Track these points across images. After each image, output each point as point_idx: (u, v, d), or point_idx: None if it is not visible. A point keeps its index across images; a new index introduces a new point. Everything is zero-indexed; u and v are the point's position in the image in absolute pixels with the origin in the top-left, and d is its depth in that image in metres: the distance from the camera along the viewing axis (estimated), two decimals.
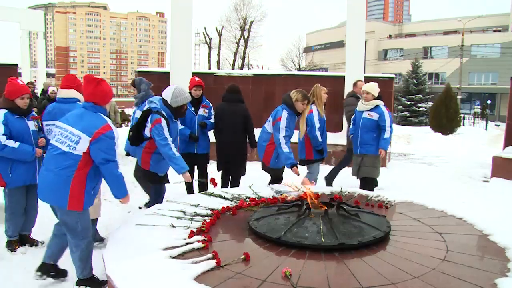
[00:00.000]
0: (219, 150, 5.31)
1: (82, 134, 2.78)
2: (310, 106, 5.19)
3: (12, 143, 3.56)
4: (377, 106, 5.06)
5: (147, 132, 3.89)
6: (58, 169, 2.78)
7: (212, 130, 5.38)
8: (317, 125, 5.20)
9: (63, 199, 2.78)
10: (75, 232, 2.90)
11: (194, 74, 9.46)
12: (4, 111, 3.61)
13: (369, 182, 5.18)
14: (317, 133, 5.20)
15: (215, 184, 4.14)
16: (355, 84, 6.71)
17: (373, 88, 5.13)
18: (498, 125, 24.65)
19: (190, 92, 4.97)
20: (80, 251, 2.92)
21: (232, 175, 5.33)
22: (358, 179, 5.34)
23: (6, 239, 3.85)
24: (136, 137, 3.95)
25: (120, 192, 2.95)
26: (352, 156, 5.51)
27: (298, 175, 4.64)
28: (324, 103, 5.51)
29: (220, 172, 5.40)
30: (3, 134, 3.53)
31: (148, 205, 4.53)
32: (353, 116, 5.47)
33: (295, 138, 5.25)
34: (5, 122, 3.57)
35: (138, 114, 4.44)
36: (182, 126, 4.92)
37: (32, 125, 3.79)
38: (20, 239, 3.90)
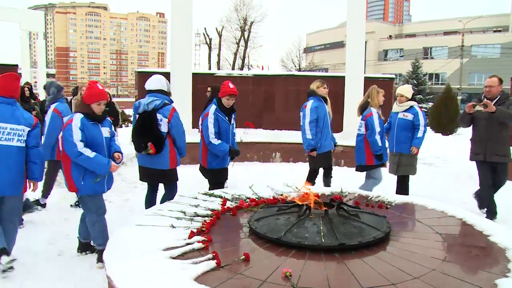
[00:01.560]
0: None
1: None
2: (369, 109, 5.23)
3: (89, 152, 3.33)
4: (411, 107, 5.37)
5: (164, 129, 4.00)
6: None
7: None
8: (377, 129, 5.16)
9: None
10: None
11: (194, 74, 9.47)
12: (81, 115, 3.40)
13: (406, 180, 5.50)
14: (377, 137, 5.15)
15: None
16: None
17: (406, 90, 5.46)
18: None
19: (220, 100, 4.41)
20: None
21: None
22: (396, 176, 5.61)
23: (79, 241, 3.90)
24: (140, 142, 4.04)
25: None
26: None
27: (315, 156, 5.28)
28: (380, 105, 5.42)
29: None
30: (80, 141, 3.32)
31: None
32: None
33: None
34: (82, 128, 3.35)
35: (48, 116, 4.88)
36: (219, 141, 4.37)
37: (106, 131, 3.59)
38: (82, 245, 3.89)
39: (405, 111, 5.41)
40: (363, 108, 5.35)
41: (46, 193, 5.26)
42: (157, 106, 4.02)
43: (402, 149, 5.40)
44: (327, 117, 5.41)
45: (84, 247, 3.86)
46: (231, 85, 4.42)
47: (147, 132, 4.01)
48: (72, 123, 3.35)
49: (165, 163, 4.09)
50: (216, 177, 4.57)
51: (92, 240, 3.68)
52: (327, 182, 5.63)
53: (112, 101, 8.05)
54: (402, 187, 5.50)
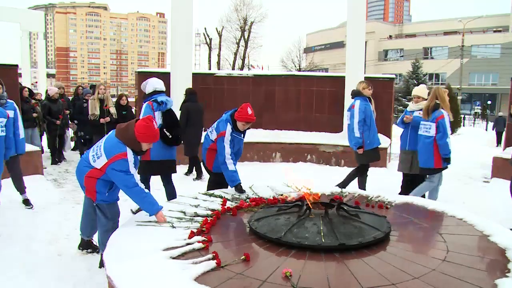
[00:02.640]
0: (188, 142, 6.99)
1: None
2: (440, 111, 5.15)
3: (143, 187, 3.20)
4: None
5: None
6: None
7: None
8: (449, 132, 5.14)
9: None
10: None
11: (194, 74, 9.47)
12: (130, 151, 3.20)
13: (419, 179, 5.53)
14: (448, 140, 5.11)
15: None
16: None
17: (422, 91, 5.70)
18: None
19: (235, 121, 4.28)
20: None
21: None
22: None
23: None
24: (177, 135, 4.78)
25: None
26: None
27: (361, 153, 5.67)
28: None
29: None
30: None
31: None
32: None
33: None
34: (135, 163, 3.25)
35: None
36: (234, 168, 4.23)
37: None
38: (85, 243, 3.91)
39: (420, 110, 5.50)
40: (433, 109, 5.23)
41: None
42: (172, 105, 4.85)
43: (416, 147, 5.44)
44: (373, 116, 5.76)
45: (86, 245, 3.85)
46: (249, 111, 4.22)
47: (178, 126, 4.87)
48: (127, 158, 3.16)
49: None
50: (220, 179, 4.49)
51: (99, 244, 3.55)
52: (362, 180, 5.92)
53: (128, 105, 8.13)
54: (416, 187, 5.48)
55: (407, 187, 5.74)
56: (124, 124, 3.30)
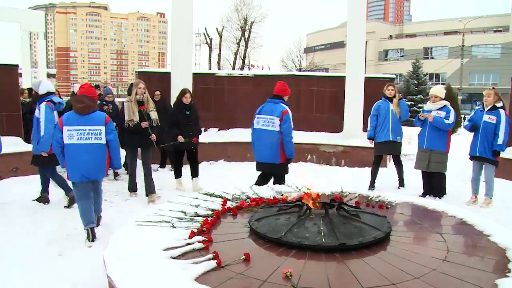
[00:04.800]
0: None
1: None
2: (502, 111, 5.55)
3: None
4: (444, 105, 5.84)
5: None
6: None
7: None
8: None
9: None
10: None
11: (194, 74, 9.47)
12: None
13: (441, 177, 5.88)
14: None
15: None
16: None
17: (440, 91, 5.96)
18: None
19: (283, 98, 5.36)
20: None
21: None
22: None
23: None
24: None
25: None
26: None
27: (372, 145, 6.50)
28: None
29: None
30: None
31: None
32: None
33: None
34: None
35: None
36: None
37: None
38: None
39: (438, 109, 5.83)
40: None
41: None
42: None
43: (434, 145, 5.78)
44: (388, 114, 6.30)
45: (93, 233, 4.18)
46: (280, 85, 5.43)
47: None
48: None
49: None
50: (286, 170, 5.17)
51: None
52: (399, 169, 6.51)
53: (192, 104, 7.07)
54: (439, 184, 5.91)
55: (430, 185, 5.98)
56: None
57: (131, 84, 5.97)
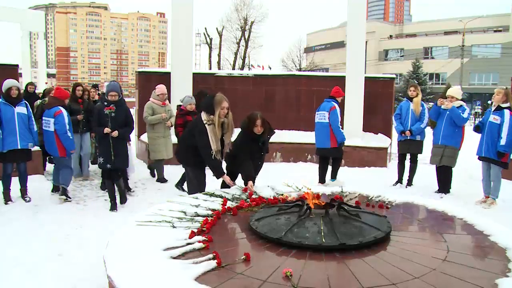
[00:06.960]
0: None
1: None
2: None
3: None
4: (461, 105, 6.05)
5: None
6: None
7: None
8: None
9: None
10: None
11: (194, 74, 9.47)
12: None
13: (447, 171, 6.16)
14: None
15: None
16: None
17: (457, 92, 6.24)
18: None
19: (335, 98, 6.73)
20: None
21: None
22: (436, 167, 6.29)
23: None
24: None
25: None
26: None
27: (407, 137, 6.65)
28: None
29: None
30: None
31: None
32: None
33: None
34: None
35: None
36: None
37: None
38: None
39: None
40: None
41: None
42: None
43: (448, 142, 6.04)
44: (408, 113, 6.63)
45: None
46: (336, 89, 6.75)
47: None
48: None
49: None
50: (340, 152, 6.74)
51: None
52: (412, 167, 6.78)
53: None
54: (445, 177, 6.20)
55: (444, 180, 6.19)
56: None
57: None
